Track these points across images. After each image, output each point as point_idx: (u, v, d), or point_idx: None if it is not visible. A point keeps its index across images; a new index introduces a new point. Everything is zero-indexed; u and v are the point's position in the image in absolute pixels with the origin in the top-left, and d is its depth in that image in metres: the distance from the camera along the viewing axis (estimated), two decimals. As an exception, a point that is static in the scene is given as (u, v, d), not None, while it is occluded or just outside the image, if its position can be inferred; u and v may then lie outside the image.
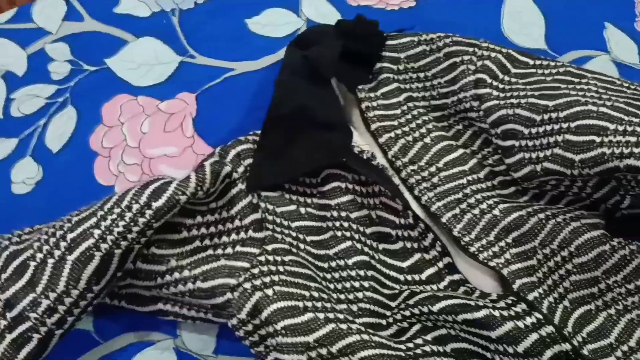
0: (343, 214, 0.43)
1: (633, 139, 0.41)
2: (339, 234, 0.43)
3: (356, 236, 0.43)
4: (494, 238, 0.45)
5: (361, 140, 0.48)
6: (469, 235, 0.45)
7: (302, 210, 0.44)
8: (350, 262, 0.42)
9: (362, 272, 0.42)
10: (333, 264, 0.42)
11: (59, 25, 0.54)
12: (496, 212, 0.45)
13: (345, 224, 0.43)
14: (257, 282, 0.39)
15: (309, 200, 0.44)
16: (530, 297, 0.42)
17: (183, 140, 0.49)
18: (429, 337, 0.40)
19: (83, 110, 0.49)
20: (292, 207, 0.43)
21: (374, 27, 0.52)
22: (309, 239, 0.42)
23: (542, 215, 0.44)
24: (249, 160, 0.44)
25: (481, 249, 0.44)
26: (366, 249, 0.43)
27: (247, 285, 0.39)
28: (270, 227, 0.42)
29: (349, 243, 0.43)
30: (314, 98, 0.45)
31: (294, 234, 0.42)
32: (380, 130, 0.48)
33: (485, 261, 0.43)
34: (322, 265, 0.42)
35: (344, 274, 0.42)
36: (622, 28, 0.60)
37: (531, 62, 0.51)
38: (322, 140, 0.43)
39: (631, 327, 0.41)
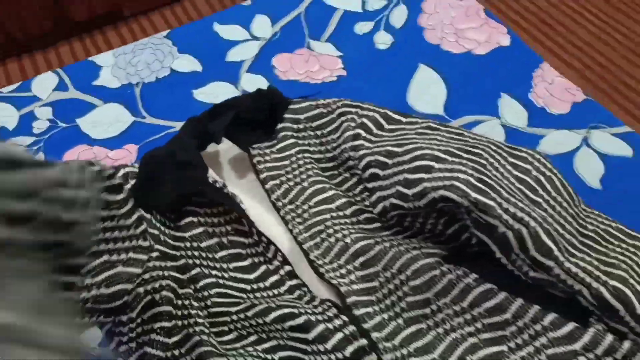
0: (195, 244, 0.52)
1: (448, 174, 0.47)
2: (190, 261, 0.51)
3: (205, 262, 0.51)
4: (344, 262, 0.50)
5: (238, 190, 0.57)
6: (322, 259, 0.51)
7: (162, 237, 0.52)
8: (199, 284, 0.49)
9: (211, 291, 0.49)
10: (189, 283, 0.50)
11: (49, 93, 0.68)
12: (348, 240, 0.51)
13: (196, 253, 0.51)
14: (148, 287, 0.47)
15: (167, 232, 0.52)
16: (362, 311, 0.46)
17: (120, 179, 0.60)
18: (260, 348, 0.46)
19: (49, 155, 0.62)
20: (156, 232, 0.51)
21: (278, 96, 0.61)
22: (169, 264, 0.50)
23: (387, 244, 0.50)
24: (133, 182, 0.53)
25: (329, 270, 0.50)
26: (214, 272, 0.50)
27: (141, 290, 0.47)
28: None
29: (197, 269, 0.50)
30: (182, 151, 0.55)
31: (159, 255, 0.50)
32: (267, 178, 0.56)
33: (329, 279, 0.49)
34: (183, 284, 0.50)
35: (198, 292, 0.49)
36: (517, 97, 0.66)
37: (404, 119, 0.58)
38: (182, 176, 0.53)
39: (454, 345, 0.45)
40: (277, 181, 0.56)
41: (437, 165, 0.49)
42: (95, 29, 1.01)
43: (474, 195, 0.45)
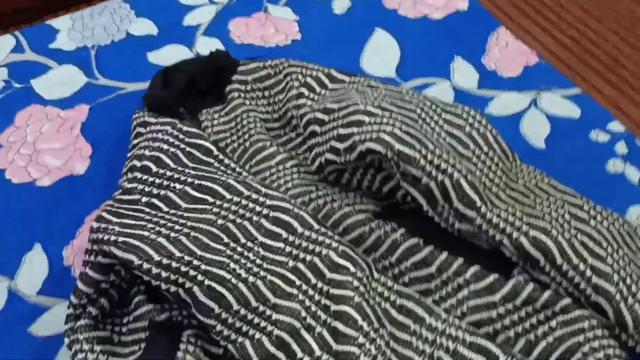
0: None
1: (376, 127, 0.46)
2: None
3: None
4: None
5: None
6: None
7: None
8: None
9: None
10: None
11: (5, 55, 0.68)
12: (289, 185, 0.51)
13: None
14: None
15: None
16: None
17: (69, 139, 0.60)
18: None
19: (2, 116, 0.62)
20: None
21: (227, 58, 0.61)
22: None
23: (320, 201, 0.50)
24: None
25: None
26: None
27: None
28: None
29: None
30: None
31: None
32: (213, 143, 0.55)
33: None
34: None
35: None
36: (470, 60, 0.65)
37: (347, 79, 0.57)
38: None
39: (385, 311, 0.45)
40: (223, 144, 0.56)
41: (367, 119, 0.48)
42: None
43: (397, 146, 0.45)
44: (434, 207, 0.46)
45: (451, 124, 0.50)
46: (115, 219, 0.44)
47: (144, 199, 0.47)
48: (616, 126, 0.59)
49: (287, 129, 0.58)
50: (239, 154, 0.55)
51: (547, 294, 0.42)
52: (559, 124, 0.60)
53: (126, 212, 0.45)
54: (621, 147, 0.57)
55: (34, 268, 0.51)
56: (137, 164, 0.50)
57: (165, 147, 0.50)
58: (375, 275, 0.44)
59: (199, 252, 0.42)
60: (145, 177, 0.49)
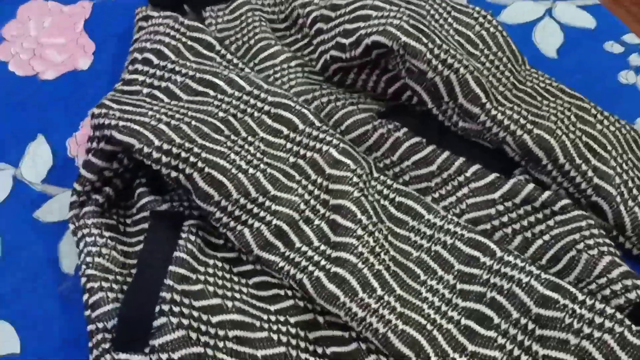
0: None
1: (383, 21, 0.44)
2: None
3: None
4: None
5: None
6: None
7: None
8: None
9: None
10: None
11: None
12: (292, 82, 0.49)
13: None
14: None
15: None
16: None
17: (72, 35, 0.58)
18: None
19: (3, 9, 0.60)
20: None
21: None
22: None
23: (324, 99, 0.48)
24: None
25: None
26: None
27: None
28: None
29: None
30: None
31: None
32: (217, 40, 0.53)
33: None
34: None
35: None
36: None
37: (356, -22, 0.54)
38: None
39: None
40: (227, 42, 0.54)
41: (374, 14, 0.46)
42: None
43: (404, 39, 0.43)
44: (438, 105, 0.44)
45: (460, 22, 0.47)
46: (116, 106, 0.43)
47: (145, 90, 0.45)
48: (631, 38, 0.56)
49: (293, 29, 0.56)
50: (243, 52, 0.53)
51: (546, 193, 0.41)
52: (572, 34, 0.57)
53: (127, 100, 0.44)
54: (635, 59, 0.54)
55: (37, 157, 0.50)
56: (139, 56, 0.48)
57: (166, 40, 0.48)
58: (375, 173, 0.44)
59: (199, 141, 0.41)
60: (146, 69, 0.47)
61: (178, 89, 0.45)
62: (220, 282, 0.40)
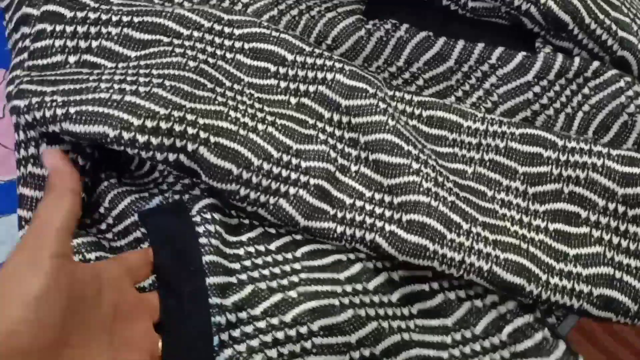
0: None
1: None
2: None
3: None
4: None
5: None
6: None
7: None
8: None
9: None
10: None
11: None
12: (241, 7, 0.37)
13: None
14: None
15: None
16: None
17: None
18: None
19: None
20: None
21: None
22: None
23: (294, 12, 0.37)
24: None
25: None
26: None
27: None
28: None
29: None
30: None
31: None
32: None
33: None
34: None
35: None
36: None
37: None
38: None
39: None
40: None
41: None
42: None
43: None
44: (442, -13, 0.36)
45: None
46: (47, 88, 0.29)
47: (72, 59, 0.31)
48: None
49: None
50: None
51: (577, 60, 0.36)
52: None
53: (57, 78, 0.30)
54: None
55: None
56: (33, 11, 0.33)
57: None
58: (389, 92, 0.35)
59: (187, 104, 0.29)
60: (58, 28, 0.32)
61: (118, 45, 0.32)
62: (265, 271, 0.31)
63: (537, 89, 0.36)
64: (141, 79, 0.29)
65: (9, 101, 0.29)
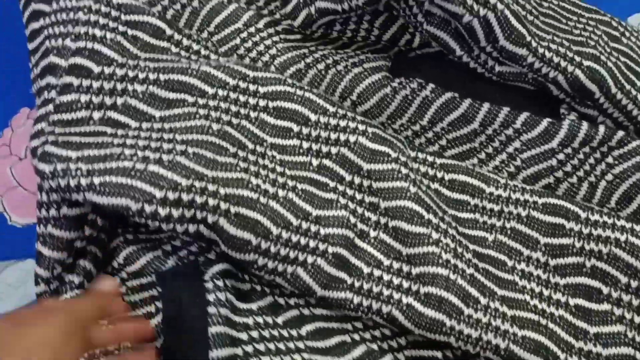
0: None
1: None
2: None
3: None
4: None
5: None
6: None
7: None
8: None
9: None
10: None
11: None
12: (273, 51, 0.37)
13: None
14: None
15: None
16: None
17: None
18: None
19: None
20: None
21: None
22: None
23: (321, 66, 0.37)
24: None
25: None
26: None
27: None
28: None
29: None
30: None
31: None
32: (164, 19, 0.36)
33: None
34: None
35: None
36: None
37: None
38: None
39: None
40: (159, 7, 0.38)
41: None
42: None
43: (431, -22, 0.32)
44: (469, 51, 0.36)
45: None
46: (73, 154, 0.28)
47: (96, 115, 0.30)
48: None
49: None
50: (188, 18, 0.38)
51: (602, 129, 0.35)
52: None
53: (81, 139, 0.29)
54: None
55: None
56: (61, 62, 0.32)
57: (98, 33, 0.32)
58: (411, 153, 0.35)
59: (209, 174, 0.29)
60: (85, 82, 0.31)
61: (143, 104, 0.31)
62: (271, 345, 0.30)
63: (561, 156, 0.35)
64: (165, 146, 0.29)
65: (34, 158, 0.28)
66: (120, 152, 0.28)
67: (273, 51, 0.37)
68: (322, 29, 0.38)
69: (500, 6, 0.33)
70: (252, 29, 0.38)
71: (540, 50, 0.34)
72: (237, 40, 0.37)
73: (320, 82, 0.36)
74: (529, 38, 0.34)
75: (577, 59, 0.35)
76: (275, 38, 0.37)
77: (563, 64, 0.35)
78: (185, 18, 0.38)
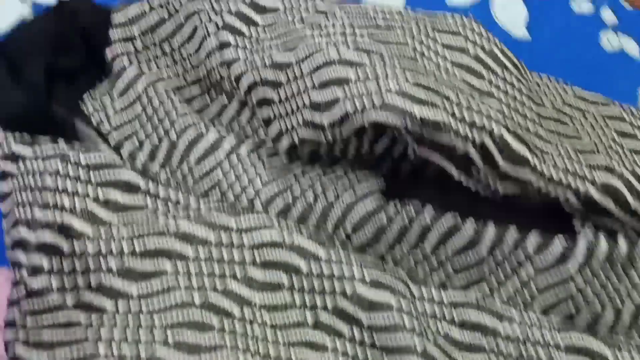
0: None
1: (372, 85, 0.30)
2: None
3: None
4: None
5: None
6: None
7: None
8: None
9: None
10: None
11: None
12: (258, 184, 0.34)
13: None
14: None
15: None
16: None
17: None
18: None
19: None
20: None
21: (88, 6, 0.38)
22: None
23: (309, 195, 0.34)
24: None
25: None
26: None
27: None
28: None
29: None
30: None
31: None
32: (121, 142, 0.36)
33: None
34: None
35: None
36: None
37: (280, 4, 0.38)
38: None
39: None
40: (132, 143, 0.36)
41: (352, 74, 0.31)
42: None
43: (416, 111, 0.29)
44: (468, 175, 0.32)
45: (452, 49, 0.34)
46: (43, 356, 0.26)
47: (70, 300, 0.28)
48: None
49: (213, 92, 0.39)
50: (165, 154, 0.36)
51: (623, 245, 0.32)
52: (535, 4, 0.46)
53: (53, 335, 0.27)
54: (609, 16, 0.46)
55: None
56: (29, 237, 0.29)
57: (65, 202, 0.29)
58: (416, 292, 0.32)
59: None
60: (55, 263, 0.29)
61: (120, 280, 0.28)
62: None
63: (579, 281, 0.32)
64: (142, 337, 0.26)
65: (7, 354, 0.26)
66: (94, 350, 0.26)
67: (257, 184, 0.34)
68: (307, 152, 0.36)
69: (496, 129, 0.30)
70: (234, 159, 0.35)
71: (546, 171, 0.31)
72: (219, 174, 0.35)
73: (309, 214, 0.33)
74: (531, 159, 0.30)
75: (589, 175, 0.32)
76: (259, 166, 0.35)
77: (574, 184, 0.31)
78: (164, 152, 0.36)
